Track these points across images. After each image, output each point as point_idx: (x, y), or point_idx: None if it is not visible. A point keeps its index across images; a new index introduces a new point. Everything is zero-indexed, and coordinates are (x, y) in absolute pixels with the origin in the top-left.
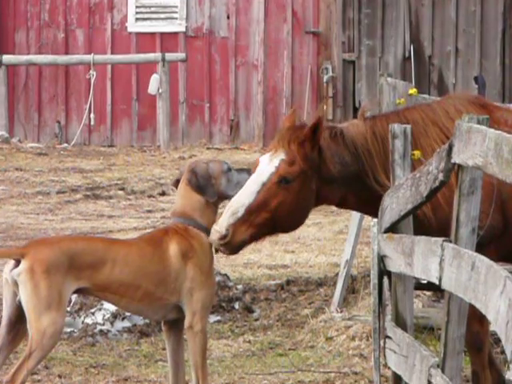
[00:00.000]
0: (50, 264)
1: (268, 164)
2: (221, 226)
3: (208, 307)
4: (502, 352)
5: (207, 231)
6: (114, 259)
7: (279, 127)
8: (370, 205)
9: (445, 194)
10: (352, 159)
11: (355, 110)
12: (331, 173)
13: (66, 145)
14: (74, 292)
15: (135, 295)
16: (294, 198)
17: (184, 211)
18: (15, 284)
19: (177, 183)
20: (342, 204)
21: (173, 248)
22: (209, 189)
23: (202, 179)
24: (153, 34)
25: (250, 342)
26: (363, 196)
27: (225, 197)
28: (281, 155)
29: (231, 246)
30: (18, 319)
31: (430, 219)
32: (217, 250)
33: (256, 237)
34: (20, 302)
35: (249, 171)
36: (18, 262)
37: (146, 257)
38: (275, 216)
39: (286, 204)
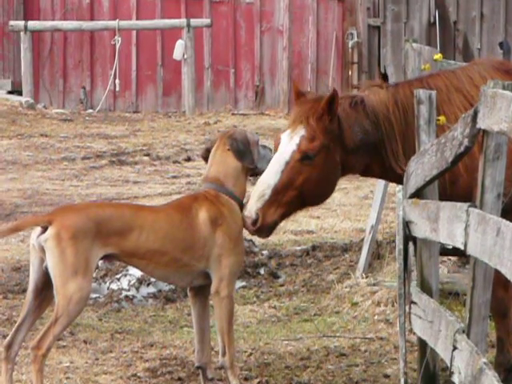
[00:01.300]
0: (77, 230)
1: (289, 142)
2: (250, 211)
3: (235, 274)
4: None
5: (238, 200)
6: (141, 225)
7: (292, 103)
8: (394, 172)
9: (465, 162)
10: (373, 128)
11: (381, 75)
12: (353, 143)
13: (91, 111)
14: (101, 258)
15: (162, 261)
16: (319, 172)
17: (217, 177)
18: (42, 250)
19: (206, 153)
20: (367, 173)
21: (202, 215)
22: (248, 155)
23: (243, 145)
24: None
25: (275, 307)
26: (387, 164)
27: (256, 168)
28: (300, 132)
29: (264, 229)
30: (45, 285)
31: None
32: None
33: (286, 215)
34: (47, 269)
35: (270, 149)
36: (44, 229)
37: (174, 223)
38: (302, 193)
39: (311, 180)
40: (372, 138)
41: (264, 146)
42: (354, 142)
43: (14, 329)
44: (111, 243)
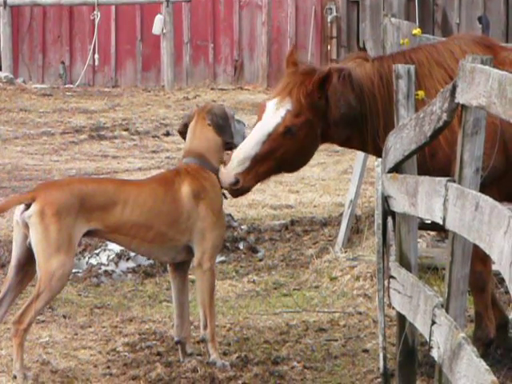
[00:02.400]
0: (61, 206)
1: (274, 113)
2: (229, 174)
3: (218, 247)
4: (506, 292)
5: (217, 173)
6: (125, 200)
7: (283, 68)
8: (373, 146)
9: (445, 135)
10: (357, 102)
11: (359, 50)
12: (337, 115)
13: (70, 85)
14: (85, 234)
15: (147, 236)
16: (299, 145)
17: (199, 152)
18: (26, 226)
19: (184, 128)
20: (347, 144)
21: (185, 188)
22: (228, 130)
23: (222, 120)
24: None
25: (254, 282)
26: (367, 137)
27: (232, 143)
28: (287, 105)
29: (239, 191)
30: (27, 261)
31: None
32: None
33: (261, 180)
34: (30, 245)
35: (244, 124)
36: (28, 205)
37: (158, 197)
38: (280, 162)
39: (290, 152)
40: (355, 112)
41: (238, 121)
42: (338, 114)
43: None
44: (95, 219)
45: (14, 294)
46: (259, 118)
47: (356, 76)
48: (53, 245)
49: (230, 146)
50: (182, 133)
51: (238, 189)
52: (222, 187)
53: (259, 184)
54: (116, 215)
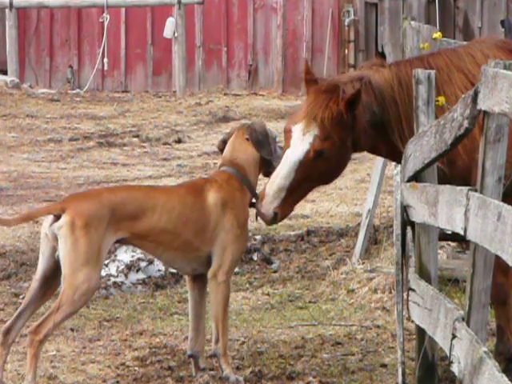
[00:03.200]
0: (91, 218)
1: (301, 140)
2: (267, 211)
3: (236, 261)
4: None
5: (252, 189)
6: (153, 206)
7: (298, 73)
8: (400, 153)
9: (464, 143)
10: (380, 109)
11: (378, 54)
12: (362, 125)
13: (78, 90)
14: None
15: (173, 243)
16: (333, 164)
17: (235, 162)
18: (55, 239)
19: (223, 144)
20: (373, 151)
21: (213, 196)
22: (267, 146)
23: (262, 136)
24: None
25: (268, 294)
26: (394, 144)
27: (271, 165)
28: (314, 130)
29: (280, 221)
30: (53, 275)
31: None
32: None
33: (299, 201)
34: (58, 257)
35: (281, 147)
36: (57, 217)
37: (187, 204)
38: (315, 184)
39: (325, 172)
40: (379, 119)
41: (280, 147)
42: (364, 124)
43: (15, 314)
44: (123, 227)
45: (34, 306)
46: (287, 144)
47: (376, 83)
48: (81, 258)
49: (268, 164)
50: (221, 150)
51: (279, 221)
52: (251, 205)
53: None
54: (144, 223)
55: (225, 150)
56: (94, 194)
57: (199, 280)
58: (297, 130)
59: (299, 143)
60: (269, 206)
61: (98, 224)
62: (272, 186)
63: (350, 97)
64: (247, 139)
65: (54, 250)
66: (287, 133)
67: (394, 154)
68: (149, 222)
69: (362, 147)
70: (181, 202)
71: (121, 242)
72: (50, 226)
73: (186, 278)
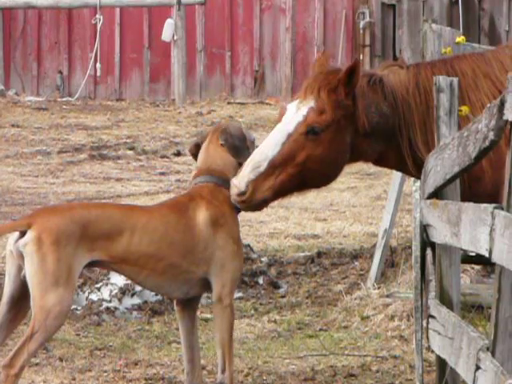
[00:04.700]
0: (60, 234)
1: (295, 112)
2: (240, 182)
3: (237, 280)
4: None
5: None
6: (132, 227)
7: (309, 73)
8: (411, 164)
9: (490, 157)
10: (390, 111)
11: (395, 60)
12: (368, 124)
13: (68, 98)
14: (87, 265)
15: (157, 267)
16: (325, 150)
17: (213, 169)
18: (20, 256)
19: (196, 148)
20: (381, 161)
21: (201, 215)
22: (244, 151)
23: (238, 140)
24: None
25: (275, 321)
26: (404, 153)
27: None
28: (310, 103)
29: (251, 203)
30: (21, 296)
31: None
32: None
33: (280, 194)
34: (25, 277)
35: None
36: (23, 233)
37: (170, 225)
38: (302, 170)
39: (314, 157)
40: (389, 123)
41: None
42: (369, 124)
43: None
44: (98, 248)
45: (5, 333)
46: (279, 121)
47: (389, 83)
48: (50, 277)
49: None
50: (194, 154)
51: (248, 200)
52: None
53: (282, 211)
54: (122, 244)
55: (199, 157)
56: (65, 209)
57: (189, 307)
58: (291, 105)
59: (292, 116)
60: (244, 177)
61: (67, 241)
62: (253, 156)
63: (348, 67)
64: (222, 145)
65: (20, 269)
66: (281, 111)
67: (405, 165)
68: (127, 243)
69: (367, 154)
70: (164, 222)
71: (98, 265)
72: (15, 242)
73: (175, 306)
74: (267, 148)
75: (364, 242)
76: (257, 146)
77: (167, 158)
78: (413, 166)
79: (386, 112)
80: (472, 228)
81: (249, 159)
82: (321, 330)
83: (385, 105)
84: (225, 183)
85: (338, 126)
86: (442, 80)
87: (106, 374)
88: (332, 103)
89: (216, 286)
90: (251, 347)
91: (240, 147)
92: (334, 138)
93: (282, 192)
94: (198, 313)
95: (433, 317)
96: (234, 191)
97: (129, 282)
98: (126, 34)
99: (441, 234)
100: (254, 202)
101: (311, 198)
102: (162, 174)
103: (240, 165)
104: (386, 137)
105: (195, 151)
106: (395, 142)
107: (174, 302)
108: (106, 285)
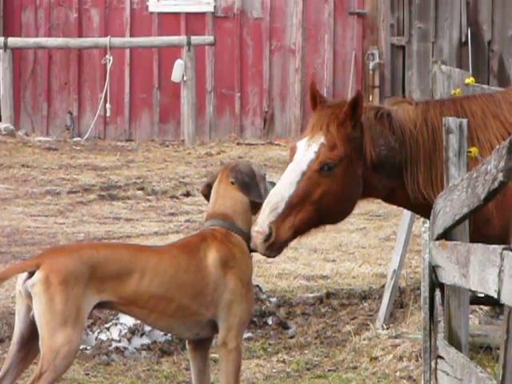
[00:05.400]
0: (69, 274)
1: (306, 150)
2: (262, 226)
3: (245, 323)
4: None
5: (247, 238)
6: (142, 269)
7: (310, 110)
8: (420, 202)
9: (496, 198)
10: (399, 146)
11: None
12: (376, 156)
13: (78, 139)
14: (96, 306)
15: (167, 309)
16: (339, 185)
17: (224, 213)
18: (29, 297)
19: (207, 189)
20: (392, 198)
21: (211, 256)
22: (255, 188)
23: (248, 177)
24: (177, 14)
25: (284, 361)
26: (408, 188)
27: (261, 204)
28: (320, 139)
29: (276, 245)
30: (32, 336)
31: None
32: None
33: (300, 232)
34: (34, 317)
35: (273, 183)
36: (32, 274)
37: (181, 266)
38: (319, 207)
39: (330, 193)
40: (397, 158)
41: (272, 183)
42: (377, 156)
43: None
44: (107, 289)
45: (15, 372)
46: (291, 161)
47: (397, 117)
48: (58, 317)
49: (259, 207)
50: (206, 195)
51: (274, 243)
52: (251, 250)
53: (290, 251)
54: (132, 286)
55: (210, 200)
56: (73, 249)
57: (201, 346)
58: (302, 143)
59: (303, 153)
60: (264, 220)
61: (75, 281)
62: (269, 198)
63: (351, 99)
64: (232, 183)
65: (29, 309)
66: (292, 150)
67: (410, 202)
68: (137, 285)
69: (377, 190)
70: (173, 263)
71: (107, 307)
72: (24, 283)
73: (187, 345)
74: (283, 189)
75: (373, 282)
76: (270, 183)
77: (177, 198)
78: (415, 203)
79: (395, 146)
80: (481, 269)
81: (265, 203)
82: (330, 370)
83: (393, 139)
84: (234, 227)
85: (349, 159)
86: (452, 121)
87: None
88: (342, 137)
89: (222, 329)
90: None
91: (250, 184)
92: (346, 171)
93: (301, 230)
94: None
95: (441, 357)
96: (258, 239)
97: (138, 321)
98: (136, 74)
99: (450, 275)
100: (277, 243)
101: (320, 238)
102: (172, 214)
103: (251, 202)
104: (395, 173)
105: (207, 192)
106: (401, 177)
107: (186, 342)
108: (116, 325)
